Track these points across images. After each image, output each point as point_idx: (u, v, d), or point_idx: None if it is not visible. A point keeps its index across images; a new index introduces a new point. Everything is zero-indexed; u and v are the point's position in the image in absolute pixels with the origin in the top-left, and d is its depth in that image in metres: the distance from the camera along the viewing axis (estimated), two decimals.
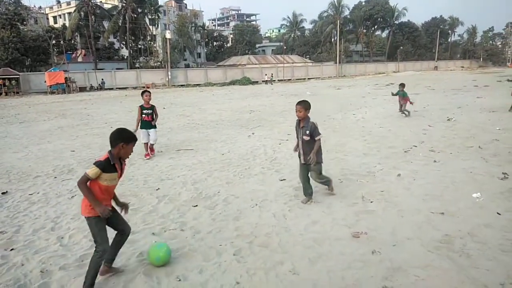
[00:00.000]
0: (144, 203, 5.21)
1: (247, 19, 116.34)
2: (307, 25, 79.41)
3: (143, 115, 7.77)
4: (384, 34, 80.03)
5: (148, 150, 7.92)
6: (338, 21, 61.06)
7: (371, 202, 4.88)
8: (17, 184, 6.34)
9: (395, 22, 73.97)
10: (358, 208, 4.69)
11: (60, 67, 39.69)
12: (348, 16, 72.13)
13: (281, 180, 6.02)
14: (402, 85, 12.04)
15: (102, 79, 40.97)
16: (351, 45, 73.67)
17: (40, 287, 3.22)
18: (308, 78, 53.92)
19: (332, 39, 70.07)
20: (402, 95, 11.97)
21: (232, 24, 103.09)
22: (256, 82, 47.05)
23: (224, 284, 3.15)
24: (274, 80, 46.97)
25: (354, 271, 3.28)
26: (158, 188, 5.82)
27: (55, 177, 6.63)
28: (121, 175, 3.18)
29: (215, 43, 73.62)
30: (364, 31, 73.28)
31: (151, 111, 7.86)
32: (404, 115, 12.10)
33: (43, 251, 3.88)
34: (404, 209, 4.59)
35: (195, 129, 11.68)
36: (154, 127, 7.91)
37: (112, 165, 3.04)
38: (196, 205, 5.04)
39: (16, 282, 3.31)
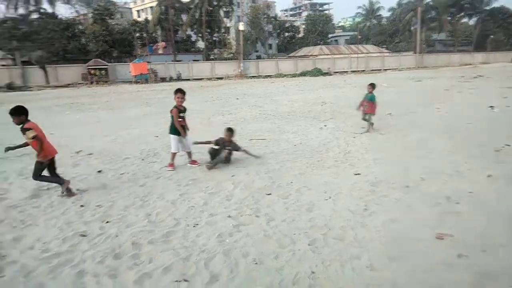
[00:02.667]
0: (221, 187, 5.46)
1: (320, 8, 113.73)
2: (385, 13, 75.16)
3: (180, 119, 6.40)
4: (471, 22, 72.54)
5: (191, 157, 6.75)
6: (419, 8, 56.76)
7: (458, 203, 4.54)
8: (109, 164, 7.04)
9: (485, 8, 66.55)
10: (442, 209, 4.39)
11: (143, 59, 42.76)
12: (431, 3, 66.63)
13: (356, 174, 5.87)
14: (371, 85, 9.01)
15: (179, 71, 43.31)
16: (433, 34, 68.14)
17: (132, 258, 3.57)
18: (384, 69, 51.20)
19: (412, 28, 65.46)
20: (369, 99, 8.95)
21: (304, 14, 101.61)
22: (328, 73, 46.00)
23: (299, 272, 3.19)
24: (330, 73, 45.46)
25: (437, 273, 3.11)
26: (233, 175, 6.04)
27: (142, 159, 7.24)
28: None
29: (286, 34, 73.26)
30: (449, 18, 67.15)
31: (184, 113, 6.55)
32: (366, 128, 9.05)
33: (134, 226, 4.28)
34: (496, 213, 4.20)
35: (267, 120, 11.83)
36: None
37: None
38: (270, 194, 5.15)
39: (112, 251, 3.71)
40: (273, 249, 3.62)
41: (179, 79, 42.52)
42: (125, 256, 3.61)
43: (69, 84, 37.06)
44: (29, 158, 7.66)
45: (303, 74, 45.05)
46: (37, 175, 5.25)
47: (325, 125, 10.26)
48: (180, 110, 6.40)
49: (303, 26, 77.93)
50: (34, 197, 5.35)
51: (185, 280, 3.14)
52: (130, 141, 9.09)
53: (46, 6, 43.88)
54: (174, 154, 6.54)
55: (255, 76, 45.08)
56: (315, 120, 11.28)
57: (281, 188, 5.36)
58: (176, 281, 3.14)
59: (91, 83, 37.69)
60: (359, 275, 3.12)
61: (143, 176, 6.19)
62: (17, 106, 5.10)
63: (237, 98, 19.20)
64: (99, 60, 40.50)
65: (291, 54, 60.56)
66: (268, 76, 44.90)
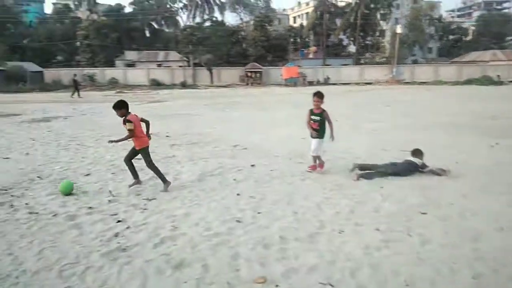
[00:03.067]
0: (368, 197, 5.25)
1: (498, 6, 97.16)
2: None
3: (311, 121, 6.44)
4: None
5: (316, 162, 6.58)
6: None
7: None
8: (261, 160, 7.59)
9: None
10: None
11: (294, 63, 44.59)
12: None
13: None
14: None
15: (327, 75, 43.57)
16: None
17: (279, 251, 3.75)
18: None
19: None
20: None
21: (475, 14, 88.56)
22: (502, 83, 39.04)
23: None
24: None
25: None
26: (382, 187, 5.72)
27: (290, 159, 7.56)
28: None
29: (451, 37, 65.32)
30: None
31: (319, 117, 6.36)
32: None
33: (281, 220, 4.50)
34: None
35: (423, 130, 10.79)
36: (320, 137, 6.36)
37: None
38: (425, 213, 4.68)
39: (262, 240, 3.97)
40: (428, 274, 3.27)
41: (326, 83, 42.79)
42: (273, 247, 3.82)
43: (228, 85, 41.56)
44: (197, 147, 8.93)
45: (468, 82, 39.46)
46: (149, 163, 5.75)
47: (496, 143, 8.74)
48: (312, 113, 6.42)
49: (473, 28, 68.14)
50: (200, 180, 6.18)
51: (331, 285, 3.13)
52: (280, 140, 9.60)
53: (217, 15, 50.30)
54: (313, 157, 6.55)
55: (409, 82, 41.72)
56: (484, 136, 9.72)
57: (439, 209, 4.81)
58: (321, 283, 3.16)
59: (247, 84, 41.36)
60: None
61: (290, 174, 6.45)
62: (118, 101, 5.64)
63: (387, 106, 18.13)
64: (255, 63, 44.12)
65: (454, 59, 53.77)
66: (424, 82, 40.95)
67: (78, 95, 26.77)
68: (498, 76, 40.02)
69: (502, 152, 7.92)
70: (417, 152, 6.59)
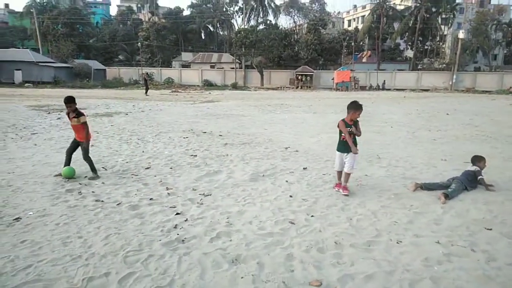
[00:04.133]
0: (428, 209, 5.02)
1: None
2: None
3: (342, 134, 5.56)
4: None
5: (341, 180, 5.73)
6: None
7: None
8: (313, 163, 7.54)
9: None
10: None
11: (348, 67, 43.71)
12: None
13: None
14: None
15: (384, 80, 42.24)
16: None
17: (334, 256, 3.71)
18: None
19: None
20: None
21: None
22: None
23: None
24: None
25: None
26: (447, 202, 5.44)
27: None
28: None
29: None
30: None
31: (351, 128, 5.48)
32: None
33: (336, 226, 4.44)
34: None
35: (486, 142, 10.10)
36: (337, 149, 5.71)
37: None
38: (491, 229, 4.39)
39: (316, 244, 3.96)
40: None
41: (379, 88, 41.44)
42: (328, 252, 3.79)
43: (278, 87, 41.68)
44: (249, 147, 9.07)
45: None
46: (87, 156, 6.22)
47: None
48: (347, 124, 5.46)
49: None
50: (252, 180, 6.28)
51: None
52: (331, 144, 9.43)
53: (271, 18, 50.69)
54: (338, 172, 5.74)
55: (469, 90, 39.20)
56: None
57: (505, 226, 4.49)
58: None
59: (297, 87, 41.22)
60: None
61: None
62: (70, 96, 6.19)
63: (447, 114, 17.17)
64: (306, 67, 43.87)
65: None
66: (486, 91, 38.23)
67: (146, 92, 28.55)
68: None
69: None
70: (475, 159, 6.20)
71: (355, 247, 3.89)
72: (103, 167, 6.90)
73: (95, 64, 44.51)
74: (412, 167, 7.21)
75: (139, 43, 48.98)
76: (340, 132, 5.59)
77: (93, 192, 5.54)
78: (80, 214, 4.68)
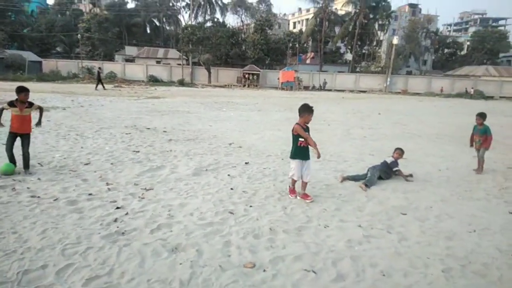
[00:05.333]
0: (354, 198, 5.57)
1: (493, 23, 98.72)
2: None
3: (300, 139, 5.25)
4: None
5: (300, 190, 5.45)
6: None
7: None
8: (254, 158, 7.88)
9: None
10: None
11: (292, 67, 45.05)
12: None
13: None
14: (480, 116, 7.34)
15: (325, 79, 44.18)
16: None
17: (268, 241, 4.04)
18: None
19: None
20: (482, 133, 7.37)
21: (471, 30, 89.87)
22: (492, 97, 39.90)
23: None
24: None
25: None
26: (368, 189, 6.05)
27: (282, 159, 7.85)
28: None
29: (446, 50, 66.44)
30: None
31: (307, 132, 5.33)
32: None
33: (272, 214, 4.79)
34: None
35: (411, 139, 11.20)
36: (293, 157, 5.39)
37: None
38: (405, 214, 5.01)
39: (252, 231, 4.26)
40: (403, 267, 3.59)
41: (321, 88, 43.28)
42: (263, 238, 4.11)
43: (225, 85, 41.81)
44: (193, 143, 9.18)
45: (459, 95, 40.28)
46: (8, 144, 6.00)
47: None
48: (304, 128, 5.26)
49: (468, 43, 69.33)
50: (195, 174, 6.45)
51: (314, 272, 3.43)
52: (273, 141, 9.91)
53: (218, 16, 50.61)
54: (294, 181, 5.47)
55: (400, 92, 42.46)
56: (466, 147, 10.12)
57: (418, 211, 5.15)
58: (305, 270, 3.46)
59: (244, 86, 41.68)
60: None
61: (282, 173, 6.74)
62: (23, 86, 6.04)
63: (379, 113, 18.56)
64: (254, 66, 44.50)
65: (448, 73, 54.75)
66: (417, 93, 41.68)
67: (96, 87, 27.03)
68: (472, 88, 41.03)
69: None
70: (395, 151, 6.93)
71: (287, 233, 4.25)
72: (38, 163, 6.65)
73: (30, 56, 41.23)
74: (343, 161, 7.85)
75: (79, 35, 46.26)
76: (297, 137, 5.22)
77: (28, 188, 5.36)
78: (15, 210, 4.54)
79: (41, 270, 3.27)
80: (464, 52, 67.45)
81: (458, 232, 4.46)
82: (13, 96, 6.10)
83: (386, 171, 6.61)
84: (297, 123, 5.29)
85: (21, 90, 5.92)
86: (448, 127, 14.39)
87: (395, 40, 44.27)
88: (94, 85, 27.61)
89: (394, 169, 6.65)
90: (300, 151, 5.30)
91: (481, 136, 7.41)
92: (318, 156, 5.31)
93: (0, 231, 3.96)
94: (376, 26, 54.75)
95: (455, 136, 12.14)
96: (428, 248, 4.01)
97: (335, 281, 3.31)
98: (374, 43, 56.01)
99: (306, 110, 5.24)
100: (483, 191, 6.18)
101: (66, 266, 3.34)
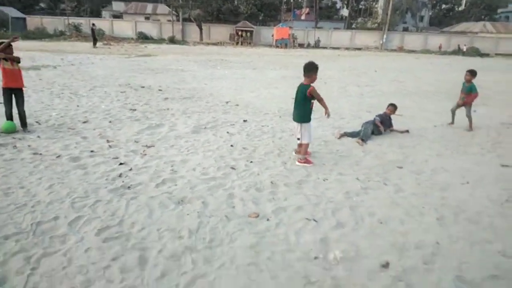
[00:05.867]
0: (351, 153, 5.70)
1: None
2: None
3: (312, 101, 5.07)
4: None
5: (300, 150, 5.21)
6: None
7: None
8: (252, 116, 7.91)
9: None
10: None
11: (286, 24, 43.80)
12: None
13: (504, 166, 5.37)
14: (470, 73, 7.25)
15: (318, 37, 43.19)
16: None
17: (270, 193, 4.19)
18: None
19: None
20: (468, 90, 7.30)
21: None
22: (487, 55, 39.57)
23: (423, 240, 3.32)
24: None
25: None
26: (364, 144, 6.18)
27: (280, 117, 7.90)
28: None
29: (443, 6, 64.84)
30: None
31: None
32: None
33: (272, 169, 4.91)
34: None
35: (407, 96, 11.24)
36: (308, 120, 5.07)
37: None
38: (402, 167, 5.17)
39: (254, 185, 4.39)
40: (399, 215, 3.78)
41: (316, 46, 42.43)
42: (265, 191, 4.25)
43: (218, 42, 40.75)
44: (190, 101, 9.14)
45: (455, 52, 39.86)
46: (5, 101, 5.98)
47: (474, 111, 9.25)
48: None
49: None
50: (194, 132, 6.50)
51: (314, 220, 3.60)
52: (270, 99, 9.89)
53: None
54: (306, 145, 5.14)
55: (396, 50, 41.88)
56: None
57: (414, 165, 5.31)
58: (307, 219, 3.63)
59: (237, 43, 40.64)
60: (488, 257, 3.09)
61: (280, 130, 6.82)
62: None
63: (376, 71, 18.44)
64: (247, 22, 43.14)
65: (445, 29, 53.79)
66: (412, 51, 41.14)
67: (94, 44, 26.42)
68: (465, 45, 40.75)
69: (478, 118, 8.44)
70: (388, 107, 7.05)
71: (288, 186, 4.40)
72: (36, 122, 6.62)
73: (12, 12, 39.36)
74: (340, 118, 7.94)
75: None
76: (310, 99, 4.96)
77: (29, 146, 5.39)
78: (19, 167, 4.59)
79: (53, 222, 3.38)
80: (462, 7, 65.87)
81: (452, 184, 4.64)
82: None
83: (376, 125, 6.74)
84: (310, 85, 4.92)
85: (6, 45, 5.77)
86: (444, 84, 14.40)
87: None
88: (84, 43, 26.83)
89: (377, 122, 6.72)
90: (311, 113, 5.08)
91: (466, 94, 7.37)
92: (329, 116, 5.12)
93: (7, 186, 4.04)
94: None
95: (451, 93, 12.15)
96: (423, 199, 4.19)
97: (335, 228, 3.48)
98: None
99: (312, 69, 4.92)
100: (477, 145, 6.35)
101: (77, 218, 3.46)
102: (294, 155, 5.41)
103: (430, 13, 65.15)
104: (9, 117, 5.98)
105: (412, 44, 43.57)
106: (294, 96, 5.18)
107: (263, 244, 3.17)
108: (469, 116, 7.47)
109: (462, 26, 51.66)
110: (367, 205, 3.99)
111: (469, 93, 7.35)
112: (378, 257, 3.05)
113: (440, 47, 42.34)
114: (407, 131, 6.97)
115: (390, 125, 7.00)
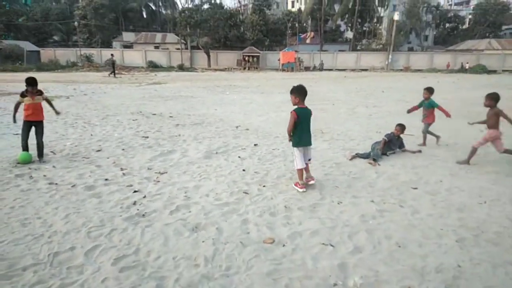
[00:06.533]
0: (364, 174, 5.67)
1: None
2: None
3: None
4: None
5: (307, 173, 5.18)
6: None
7: None
8: (262, 140, 7.97)
9: None
10: None
11: (292, 48, 44.60)
12: None
13: None
14: (428, 90, 7.71)
15: (322, 60, 43.77)
16: None
17: (285, 218, 4.16)
18: None
19: None
20: (428, 106, 7.63)
21: (473, 2, 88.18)
22: (494, 71, 39.52)
23: (444, 263, 3.24)
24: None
25: None
26: (377, 164, 6.15)
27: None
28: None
29: (447, 25, 65.44)
30: None
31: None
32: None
33: (285, 193, 4.90)
34: None
35: (415, 116, 11.16)
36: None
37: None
38: (416, 188, 5.12)
39: (268, 210, 4.37)
40: (417, 238, 3.71)
41: (320, 69, 42.94)
42: (279, 215, 4.23)
43: (225, 68, 41.55)
44: (201, 127, 9.26)
45: (462, 70, 39.94)
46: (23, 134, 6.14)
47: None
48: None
49: (470, 17, 68.16)
50: (206, 157, 6.55)
51: (331, 245, 3.56)
52: (279, 122, 9.95)
53: None
54: (301, 170, 5.07)
55: (402, 70, 42.11)
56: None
57: (428, 185, 5.25)
58: (323, 244, 3.58)
59: (244, 68, 41.38)
60: None
61: (291, 153, 6.68)
62: (33, 77, 6.10)
63: (383, 91, 18.52)
64: (253, 47, 44.09)
65: (450, 48, 54.11)
66: (419, 70, 41.33)
67: (114, 75, 27.39)
68: (467, 63, 40.95)
69: None
70: (396, 127, 7.04)
71: (302, 210, 4.37)
72: (51, 151, 6.75)
73: (27, 46, 40.92)
74: (350, 140, 7.94)
75: (75, 23, 45.73)
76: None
77: (44, 175, 5.48)
78: (35, 197, 4.66)
79: (70, 252, 3.40)
80: (466, 26, 66.42)
81: (469, 204, 4.56)
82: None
83: (389, 146, 6.72)
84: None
85: (30, 82, 6.00)
86: (452, 102, 14.36)
87: (396, 16, 43.64)
88: (96, 73, 27.67)
89: (382, 141, 6.69)
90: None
91: (427, 110, 7.60)
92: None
93: (25, 217, 4.09)
94: (376, 2, 53.84)
95: (461, 111, 12.14)
96: (440, 220, 4.12)
97: (352, 253, 3.43)
98: (375, 19, 55.23)
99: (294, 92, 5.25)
100: (491, 163, 6.26)
101: (93, 248, 3.47)
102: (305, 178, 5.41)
103: (434, 32, 65.80)
104: (25, 147, 6.12)
105: (418, 63, 43.86)
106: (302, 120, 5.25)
107: (281, 271, 3.13)
108: (424, 133, 7.65)
109: (468, 44, 51.92)
110: (383, 228, 3.93)
111: (430, 109, 7.59)
112: (398, 282, 2.98)
113: (448, 66, 42.50)
114: (420, 151, 6.93)
115: (402, 145, 6.98)
